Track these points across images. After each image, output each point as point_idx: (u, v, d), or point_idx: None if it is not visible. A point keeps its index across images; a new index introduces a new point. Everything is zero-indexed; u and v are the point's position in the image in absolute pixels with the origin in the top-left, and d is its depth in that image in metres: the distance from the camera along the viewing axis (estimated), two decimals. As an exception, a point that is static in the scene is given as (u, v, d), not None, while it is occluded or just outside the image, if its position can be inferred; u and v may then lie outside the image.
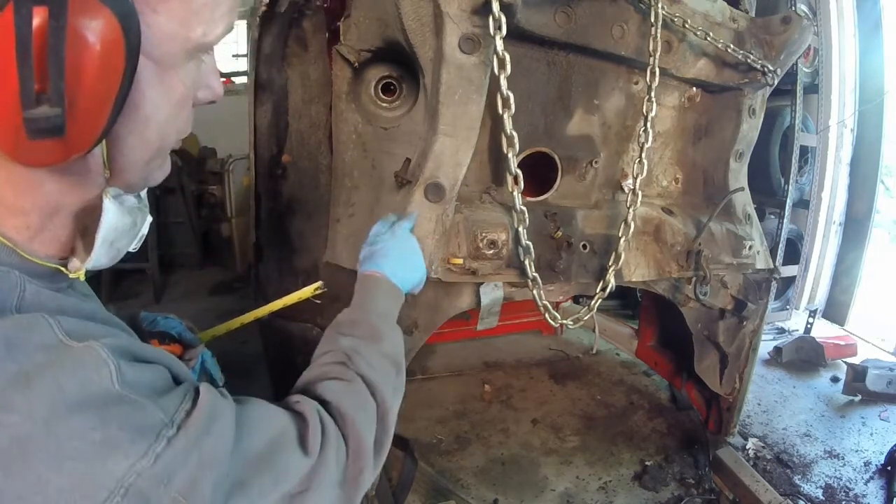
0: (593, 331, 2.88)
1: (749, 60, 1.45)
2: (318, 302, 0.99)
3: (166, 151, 0.55)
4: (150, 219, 0.60)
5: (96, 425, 0.39)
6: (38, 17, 0.37)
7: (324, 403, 0.65)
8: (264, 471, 0.52)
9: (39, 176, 0.46)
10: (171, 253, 4.44)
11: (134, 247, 0.58)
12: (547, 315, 1.27)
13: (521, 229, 1.20)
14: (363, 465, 0.65)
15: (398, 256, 0.92)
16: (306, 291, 0.98)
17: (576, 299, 2.91)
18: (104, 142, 0.46)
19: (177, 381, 0.49)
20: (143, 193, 0.59)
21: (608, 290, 1.32)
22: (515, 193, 1.16)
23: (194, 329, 0.89)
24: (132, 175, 0.53)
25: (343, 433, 0.64)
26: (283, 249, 1.41)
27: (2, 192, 0.45)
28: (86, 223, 0.52)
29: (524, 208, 1.18)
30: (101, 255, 0.52)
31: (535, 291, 1.24)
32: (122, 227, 0.52)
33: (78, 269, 0.52)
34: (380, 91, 1.28)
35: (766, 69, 1.49)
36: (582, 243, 1.40)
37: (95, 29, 0.40)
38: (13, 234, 0.47)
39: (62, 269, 0.51)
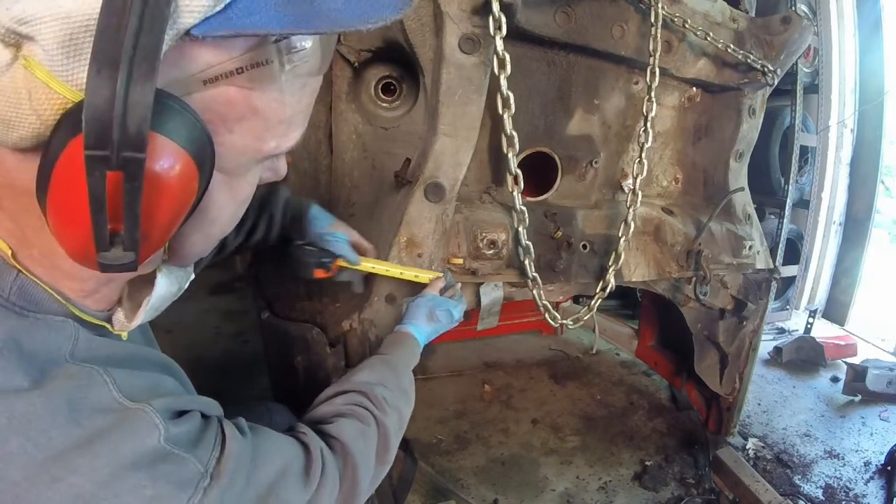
0: (593, 331, 2.88)
1: (749, 60, 1.45)
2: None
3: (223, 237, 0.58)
4: (192, 276, 0.62)
5: (148, 483, 0.45)
6: (113, 181, 0.36)
7: (333, 439, 0.72)
8: (271, 499, 0.58)
9: None
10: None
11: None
12: (547, 315, 1.27)
13: (521, 229, 1.20)
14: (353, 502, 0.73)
15: (422, 315, 1.07)
16: (425, 275, 1.11)
17: (576, 299, 2.91)
18: None
19: (205, 416, 0.55)
20: None
21: (608, 290, 1.32)
22: (515, 193, 1.16)
23: (359, 245, 1.07)
24: (189, 259, 0.56)
25: (341, 473, 0.70)
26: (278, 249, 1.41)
27: (61, 262, 0.46)
28: (137, 287, 0.56)
29: (524, 208, 1.18)
30: (145, 318, 0.56)
31: (535, 291, 1.24)
32: (168, 295, 0.57)
33: (124, 328, 0.55)
34: (380, 91, 1.28)
35: (766, 69, 1.49)
36: (582, 243, 1.40)
37: (172, 172, 0.40)
38: (67, 292, 0.49)
39: (108, 325, 0.54)
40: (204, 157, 0.43)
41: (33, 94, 0.37)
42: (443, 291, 1.11)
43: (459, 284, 1.18)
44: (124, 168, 0.36)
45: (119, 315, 0.54)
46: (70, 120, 0.37)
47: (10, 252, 0.46)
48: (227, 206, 0.52)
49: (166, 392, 0.52)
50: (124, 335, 0.56)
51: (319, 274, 1.00)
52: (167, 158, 0.39)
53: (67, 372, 0.45)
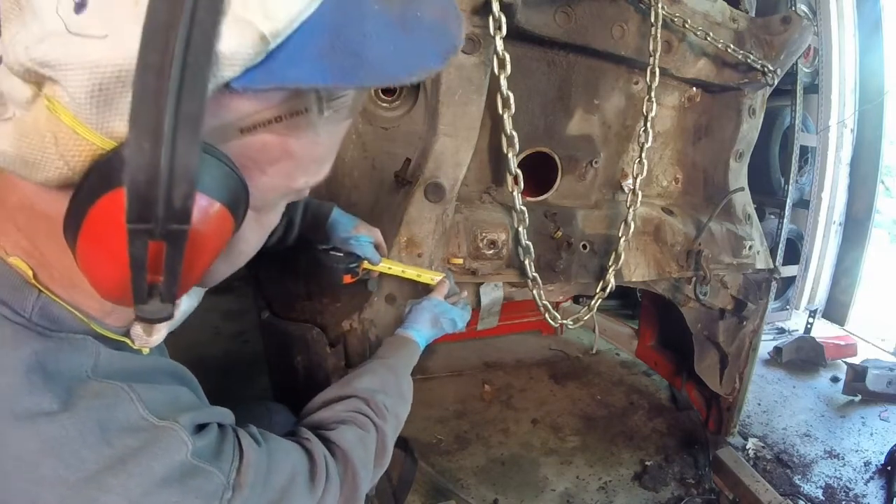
0: (593, 331, 2.88)
1: (749, 60, 1.45)
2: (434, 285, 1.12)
3: None
4: (202, 292, 0.63)
5: (178, 498, 0.47)
6: (155, 247, 0.36)
7: (335, 446, 0.73)
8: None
9: None
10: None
11: None
12: (547, 315, 1.27)
13: (521, 229, 1.20)
14: None
15: (425, 320, 1.06)
16: (427, 275, 1.11)
17: (576, 299, 2.91)
18: None
19: (221, 426, 0.56)
20: None
21: (608, 290, 1.32)
22: (515, 193, 1.16)
23: (381, 246, 1.07)
24: (213, 284, 0.56)
25: (342, 479, 0.71)
26: (283, 249, 1.41)
27: (80, 283, 0.46)
28: None
29: (524, 208, 1.18)
30: (167, 333, 0.57)
31: (535, 291, 1.24)
32: (189, 310, 0.58)
33: (145, 344, 0.56)
34: (380, 91, 1.28)
35: (766, 69, 1.49)
36: (582, 243, 1.40)
37: (211, 228, 0.40)
38: (88, 310, 0.50)
39: (128, 340, 0.54)
40: (239, 204, 0.42)
41: (59, 138, 0.36)
42: (447, 297, 1.11)
43: (465, 293, 1.18)
44: (167, 238, 0.35)
45: (137, 329, 0.55)
46: (102, 170, 0.37)
47: (31, 273, 0.46)
48: (254, 238, 0.53)
49: (186, 406, 0.53)
50: (146, 350, 0.56)
51: (348, 279, 1.00)
52: (207, 217, 0.39)
53: (93, 390, 0.45)
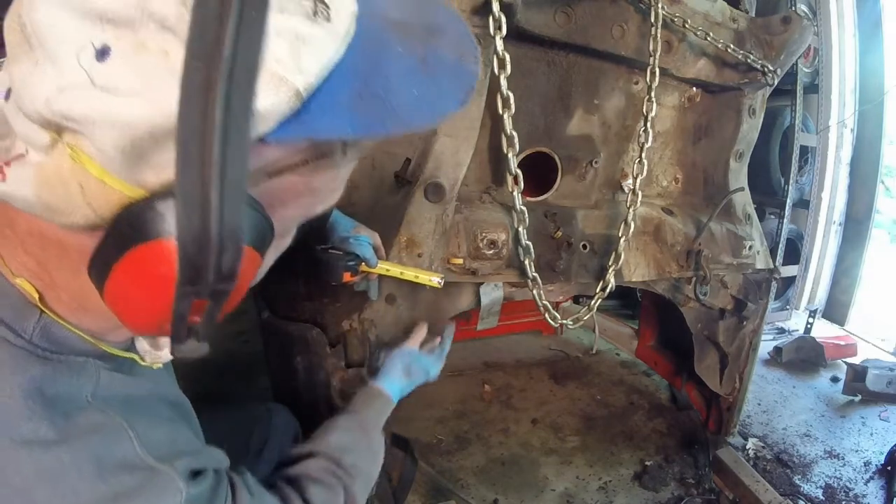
0: (593, 331, 2.88)
1: (749, 60, 1.45)
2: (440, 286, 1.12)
3: None
4: None
5: None
6: (199, 303, 0.36)
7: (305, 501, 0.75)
8: None
9: None
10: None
11: None
12: (547, 315, 1.27)
13: (521, 229, 1.20)
14: None
15: (398, 371, 1.06)
16: (425, 276, 1.10)
17: (576, 299, 2.91)
18: None
19: (216, 470, 0.57)
20: None
21: (608, 290, 1.32)
22: (515, 193, 1.16)
23: (379, 248, 1.06)
24: None
25: None
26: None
27: (90, 305, 0.46)
28: None
29: (524, 208, 1.18)
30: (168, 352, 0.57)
31: (535, 291, 1.24)
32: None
33: (156, 360, 0.55)
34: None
35: (766, 69, 1.49)
36: (582, 243, 1.40)
37: (245, 272, 0.40)
38: (93, 329, 0.49)
39: (135, 357, 0.54)
40: (266, 243, 0.43)
41: (86, 188, 0.36)
42: (423, 344, 1.12)
43: (439, 339, 1.18)
44: (213, 297, 0.35)
45: (143, 345, 0.55)
46: (135, 221, 0.36)
47: (37, 295, 0.46)
48: (269, 262, 0.53)
49: (184, 449, 0.53)
50: (157, 365, 0.56)
51: (348, 277, 1.00)
52: (245, 265, 0.39)
53: (92, 423, 0.46)
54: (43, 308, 0.46)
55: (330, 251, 0.99)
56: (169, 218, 0.36)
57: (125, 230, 0.37)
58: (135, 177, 0.36)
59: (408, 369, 1.06)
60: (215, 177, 0.30)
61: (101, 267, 0.39)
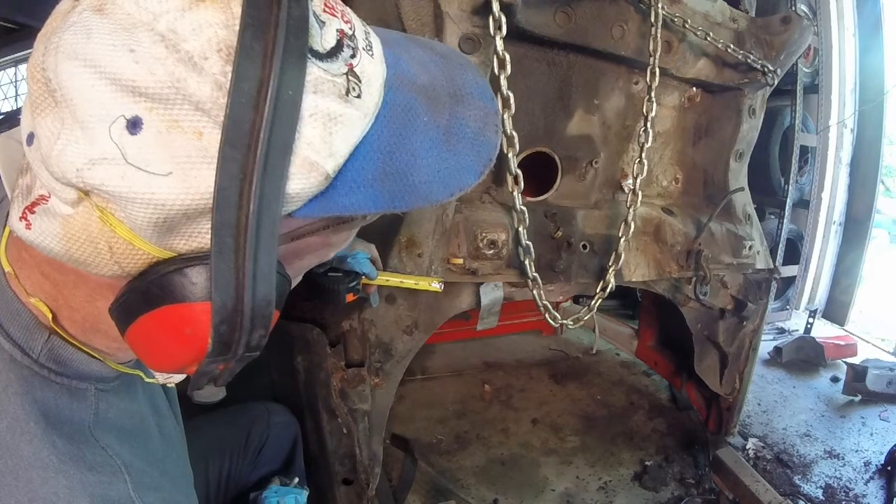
0: (593, 331, 2.88)
1: (749, 60, 1.45)
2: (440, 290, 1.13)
3: None
4: None
5: None
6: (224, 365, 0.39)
7: None
8: None
9: None
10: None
11: None
12: (547, 315, 1.27)
13: (521, 229, 1.20)
14: None
15: None
16: (424, 282, 1.11)
17: (576, 299, 2.91)
18: None
19: None
20: None
21: (608, 290, 1.32)
22: (515, 193, 1.16)
23: (376, 260, 1.04)
24: None
25: None
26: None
27: (103, 326, 0.46)
28: None
29: (524, 208, 1.18)
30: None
31: (535, 291, 1.24)
32: None
33: (168, 381, 0.56)
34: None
35: (766, 69, 1.49)
36: (582, 243, 1.40)
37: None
38: (103, 349, 0.49)
39: (143, 375, 0.54)
40: (283, 299, 0.43)
41: (115, 249, 0.37)
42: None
43: (297, 479, 1.17)
44: (239, 361, 0.38)
45: (160, 376, 0.55)
46: (163, 282, 0.37)
47: (50, 315, 0.45)
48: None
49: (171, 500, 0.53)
50: (171, 384, 0.57)
51: (351, 298, 0.99)
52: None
53: (92, 460, 0.46)
54: (55, 327, 0.46)
55: (329, 274, 0.96)
56: (199, 283, 0.36)
57: (154, 290, 0.37)
58: (164, 243, 0.37)
59: None
60: (249, 268, 0.33)
61: (125, 314, 0.40)
